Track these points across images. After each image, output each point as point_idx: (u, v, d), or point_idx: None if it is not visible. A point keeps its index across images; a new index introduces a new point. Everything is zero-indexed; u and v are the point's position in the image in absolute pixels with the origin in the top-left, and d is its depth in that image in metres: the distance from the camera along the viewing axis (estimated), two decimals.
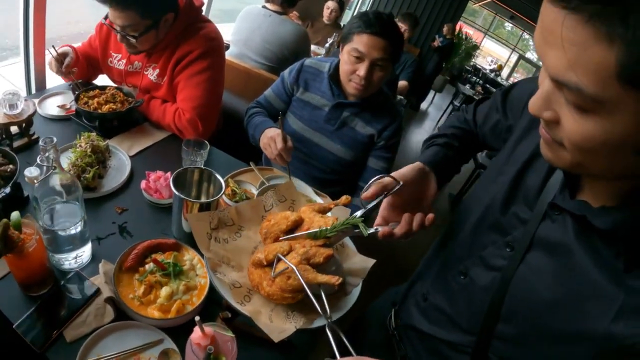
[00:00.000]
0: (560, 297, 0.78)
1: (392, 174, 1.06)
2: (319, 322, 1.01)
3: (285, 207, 1.32)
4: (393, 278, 1.66)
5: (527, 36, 16.57)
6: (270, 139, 1.79)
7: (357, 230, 1.04)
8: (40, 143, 1.02)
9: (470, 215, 1.08)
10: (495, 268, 0.94)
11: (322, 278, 0.97)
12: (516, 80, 1.25)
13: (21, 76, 2.18)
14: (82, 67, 2.07)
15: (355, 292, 1.16)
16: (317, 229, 1.06)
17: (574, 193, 0.83)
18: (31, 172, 1.27)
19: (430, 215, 1.02)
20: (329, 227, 1.07)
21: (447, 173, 1.21)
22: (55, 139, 1.03)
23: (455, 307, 1.05)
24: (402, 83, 4.88)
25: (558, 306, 0.79)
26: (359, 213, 1.06)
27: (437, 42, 8.11)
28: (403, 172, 1.08)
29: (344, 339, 0.83)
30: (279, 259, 1.03)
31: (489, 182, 1.07)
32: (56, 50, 1.92)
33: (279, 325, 1.01)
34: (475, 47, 12.66)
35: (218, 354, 0.94)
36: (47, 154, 1.03)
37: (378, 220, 1.07)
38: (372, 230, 1.03)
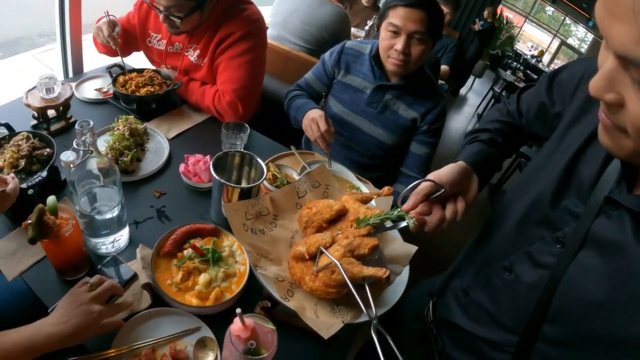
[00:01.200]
0: (614, 300, 0.73)
1: (431, 175, 1.01)
2: (366, 316, 0.97)
3: (320, 193, 1.28)
4: (431, 268, 1.61)
5: (568, 21, 15.96)
6: (312, 120, 1.76)
7: (403, 224, 0.99)
8: (77, 127, 0.99)
9: (515, 208, 1.02)
10: (543, 265, 0.88)
11: (368, 271, 0.93)
12: (564, 63, 1.17)
13: (59, 62, 2.18)
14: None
15: (401, 283, 1.11)
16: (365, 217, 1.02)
17: (632, 186, 0.76)
18: (67, 156, 1.26)
19: (461, 205, 1.00)
20: (374, 216, 1.02)
21: (488, 172, 1.15)
22: (92, 122, 1.00)
23: (498, 305, 0.99)
24: (443, 67, 4.78)
25: (611, 310, 0.73)
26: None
27: (478, 26, 7.88)
28: (444, 174, 1.02)
29: (391, 343, 0.79)
30: (322, 253, 0.98)
31: (536, 172, 1.01)
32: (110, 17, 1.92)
33: (325, 320, 0.98)
34: (514, 36, 12.37)
35: (258, 346, 0.91)
36: (83, 138, 1.01)
37: (412, 213, 1.01)
38: (405, 223, 0.98)
